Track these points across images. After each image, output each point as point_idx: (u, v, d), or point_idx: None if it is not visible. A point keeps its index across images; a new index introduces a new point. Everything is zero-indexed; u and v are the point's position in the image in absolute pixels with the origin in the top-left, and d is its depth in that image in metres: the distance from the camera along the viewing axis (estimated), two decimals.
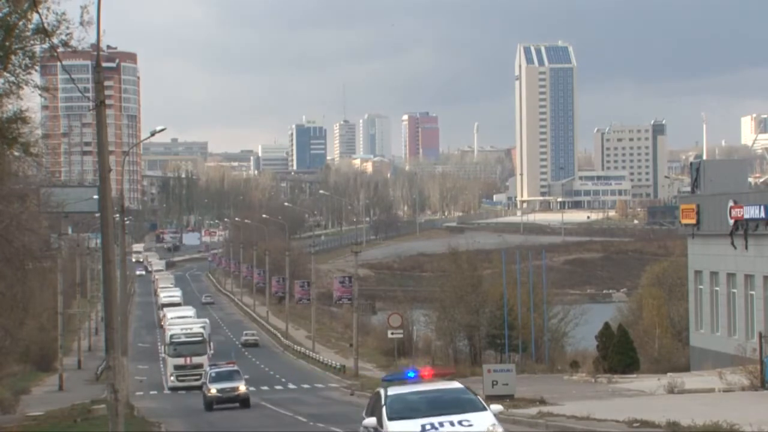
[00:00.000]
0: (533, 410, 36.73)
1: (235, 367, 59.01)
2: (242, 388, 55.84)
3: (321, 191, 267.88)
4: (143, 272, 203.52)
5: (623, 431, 29.17)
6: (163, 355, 79.64)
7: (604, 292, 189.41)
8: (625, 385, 50.49)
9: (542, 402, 40.35)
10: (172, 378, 74.13)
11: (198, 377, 69.37)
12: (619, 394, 45.95)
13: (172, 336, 75.93)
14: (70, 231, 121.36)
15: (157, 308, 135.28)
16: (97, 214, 48.76)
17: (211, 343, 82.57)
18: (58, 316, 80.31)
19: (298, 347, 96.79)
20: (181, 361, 74.13)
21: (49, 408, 55.78)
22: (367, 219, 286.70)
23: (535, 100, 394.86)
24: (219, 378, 56.33)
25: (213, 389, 55.25)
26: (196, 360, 73.65)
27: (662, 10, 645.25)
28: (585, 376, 58.88)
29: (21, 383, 74.42)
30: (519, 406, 39.21)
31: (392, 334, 70.18)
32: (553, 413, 34.80)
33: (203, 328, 79.60)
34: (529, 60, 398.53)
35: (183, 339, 75.39)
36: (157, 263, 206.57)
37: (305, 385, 71.49)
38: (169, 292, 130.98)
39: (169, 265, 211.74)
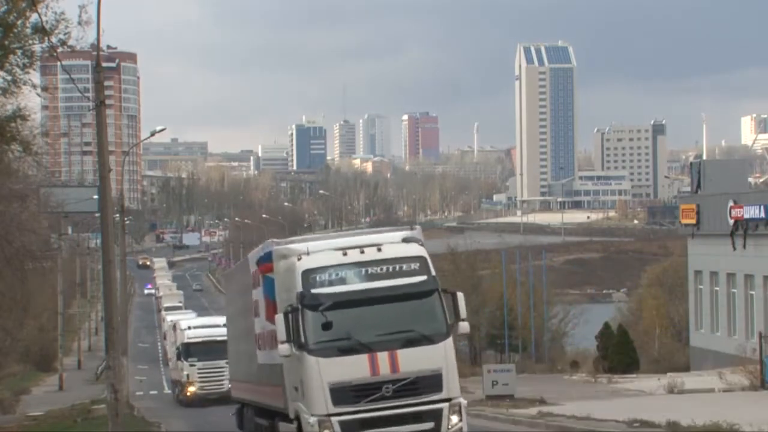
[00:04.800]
0: (533, 410, 36.70)
1: None
2: None
3: (321, 191, 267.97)
4: (153, 290, 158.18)
5: (623, 431, 29.13)
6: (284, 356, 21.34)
7: (604, 292, 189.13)
8: (625, 385, 50.47)
9: (542, 402, 40.33)
10: None
11: None
12: (619, 394, 45.93)
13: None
14: (70, 231, 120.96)
15: (161, 336, 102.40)
16: (97, 214, 48.69)
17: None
18: (58, 316, 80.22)
19: None
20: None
21: (49, 408, 55.69)
22: (367, 219, 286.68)
23: (535, 100, 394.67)
24: None
25: None
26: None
27: (662, 10, 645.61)
28: (585, 376, 58.88)
29: (21, 383, 74.37)
30: (519, 406, 39.20)
31: None
32: (553, 413, 34.76)
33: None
34: (529, 60, 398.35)
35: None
36: (160, 270, 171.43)
37: None
38: (178, 317, 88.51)
39: (170, 265, 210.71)
